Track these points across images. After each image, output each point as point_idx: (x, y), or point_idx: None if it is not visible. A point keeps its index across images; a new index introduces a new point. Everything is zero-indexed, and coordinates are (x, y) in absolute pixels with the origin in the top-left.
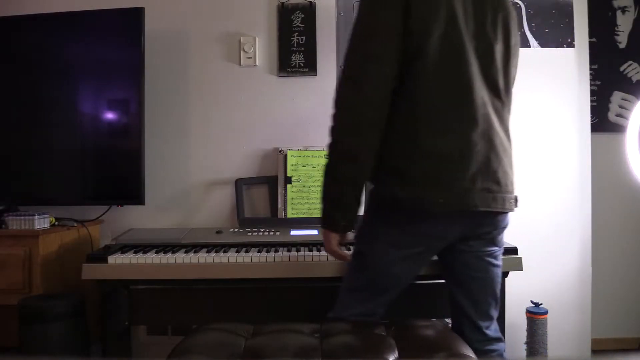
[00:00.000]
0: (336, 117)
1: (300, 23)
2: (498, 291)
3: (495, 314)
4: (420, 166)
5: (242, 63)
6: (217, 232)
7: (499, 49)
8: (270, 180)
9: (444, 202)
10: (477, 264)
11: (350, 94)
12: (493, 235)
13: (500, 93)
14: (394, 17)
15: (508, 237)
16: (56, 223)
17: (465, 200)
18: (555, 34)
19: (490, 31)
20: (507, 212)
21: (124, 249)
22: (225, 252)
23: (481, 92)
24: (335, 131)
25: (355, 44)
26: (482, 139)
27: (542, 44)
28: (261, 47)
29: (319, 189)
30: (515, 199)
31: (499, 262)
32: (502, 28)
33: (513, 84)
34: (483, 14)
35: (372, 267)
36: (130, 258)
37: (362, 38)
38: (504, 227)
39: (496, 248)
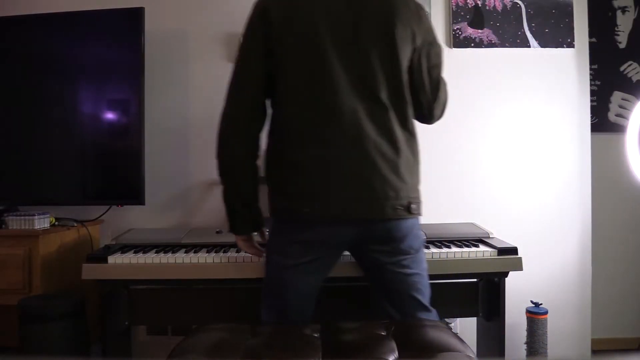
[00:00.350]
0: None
1: None
2: (421, 294)
3: (424, 313)
4: (286, 178)
5: None
6: (217, 232)
7: (378, 54)
8: None
9: (310, 211)
10: (392, 277)
11: (223, 111)
12: (396, 245)
13: (380, 99)
14: (257, 42)
15: (508, 237)
16: (56, 223)
17: (330, 208)
18: (555, 34)
19: (365, 38)
20: (393, 220)
21: (124, 249)
22: (225, 252)
23: (350, 101)
24: (216, 144)
25: (233, 68)
26: (351, 147)
27: (542, 44)
28: None
29: None
30: (407, 206)
31: (414, 270)
32: (384, 33)
33: (407, 87)
34: (356, 21)
35: (269, 275)
36: (130, 258)
37: (235, 63)
38: (405, 236)
39: (404, 257)
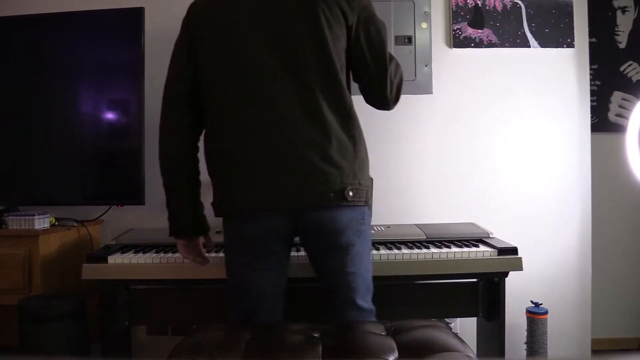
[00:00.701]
0: None
1: None
2: (355, 293)
3: (356, 312)
4: (214, 170)
5: None
6: (217, 232)
7: (303, 36)
8: None
9: (237, 202)
10: (326, 272)
11: (161, 110)
12: (331, 239)
13: (308, 82)
14: (181, 41)
15: (508, 237)
16: (56, 223)
17: (256, 198)
18: (555, 34)
19: (288, 21)
20: (324, 209)
21: (124, 249)
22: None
23: (273, 86)
24: None
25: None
26: (272, 133)
27: (542, 44)
28: None
29: None
30: (340, 192)
31: (350, 269)
32: (307, 14)
33: (342, 69)
34: (277, 5)
35: (228, 275)
36: (130, 258)
37: (169, 65)
38: (342, 230)
39: (340, 253)
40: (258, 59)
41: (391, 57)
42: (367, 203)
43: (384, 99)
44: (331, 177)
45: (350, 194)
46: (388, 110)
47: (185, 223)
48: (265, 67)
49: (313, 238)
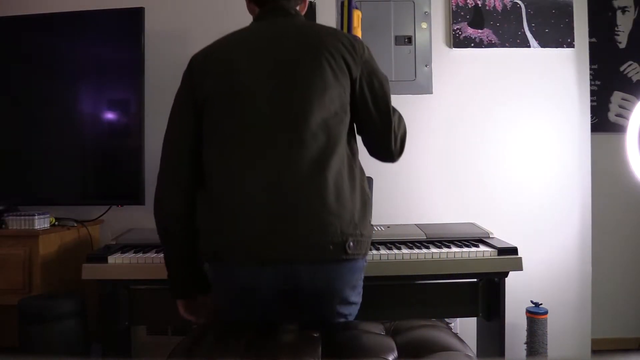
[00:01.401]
0: None
1: None
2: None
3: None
4: (201, 215)
5: None
6: None
7: (304, 87)
8: None
9: (221, 251)
10: (318, 316)
11: (160, 165)
12: (326, 300)
13: (304, 131)
14: (184, 94)
15: (508, 237)
16: (56, 223)
17: (241, 247)
18: (555, 34)
19: (288, 71)
20: (318, 263)
21: (124, 249)
22: None
23: (274, 135)
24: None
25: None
26: (267, 182)
27: (542, 44)
28: None
29: None
30: (341, 244)
31: (343, 311)
32: (309, 65)
33: (346, 119)
34: (277, 56)
35: (219, 314)
36: (130, 258)
37: (169, 117)
38: (339, 290)
39: (333, 307)
40: (260, 107)
41: (394, 110)
42: (366, 254)
43: (388, 152)
44: (330, 227)
45: (351, 245)
46: (392, 162)
47: (186, 286)
48: (268, 114)
49: (304, 297)
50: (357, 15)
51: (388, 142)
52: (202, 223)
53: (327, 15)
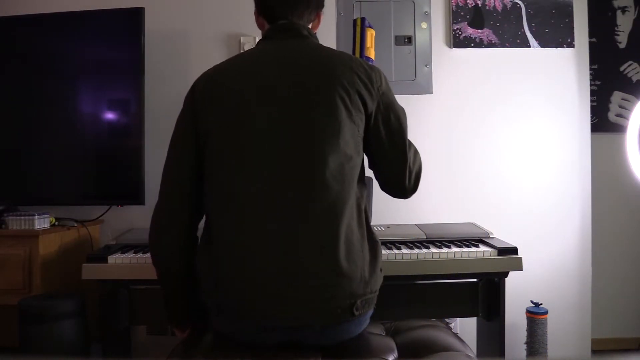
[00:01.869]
0: None
1: None
2: None
3: None
4: (200, 266)
5: None
6: None
7: (315, 125)
8: None
9: (222, 305)
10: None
11: (160, 193)
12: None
13: (316, 183)
14: (185, 124)
15: (508, 237)
16: (56, 223)
17: (241, 310)
18: (555, 34)
19: (304, 116)
20: (326, 326)
21: (124, 249)
22: None
23: (273, 181)
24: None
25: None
26: (275, 239)
27: (542, 44)
28: None
29: None
30: (349, 308)
31: None
32: (321, 101)
33: (358, 161)
34: (292, 95)
35: None
36: (130, 258)
37: (169, 145)
38: (343, 341)
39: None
40: (269, 150)
41: (410, 144)
42: (374, 305)
43: (401, 189)
44: (339, 291)
45: (359, 305)
46: (405, 198)
47: (183, 316)
48: (277, 159)
49: (310, 344)
50: (370, 35)
51: (402, 179)
52: (203, 274)
53: (327, 15)
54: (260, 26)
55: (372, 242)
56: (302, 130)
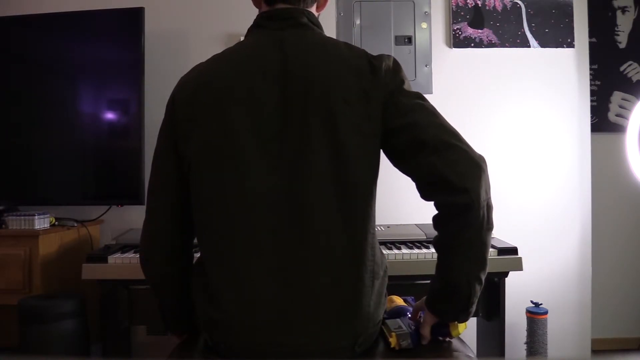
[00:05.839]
0: None
1: None
2: None
3: None
4: (195, 291)
5: None
6: None
7: (319, 158)
8: None
9: (215, 339)
10: None
11: (145, 219)
12: None
13: (313, 213)
14: (165, 140)
15: (508, 237)
16: (56, 223)
17: (244, 340)
18: (555, 34)
19: (303, 141)
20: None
21: (124, 249)
22: None
23: (268, 217)
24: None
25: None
26: (275, 275)
27: (542, 44)
28: None
29: None
30: (350, 346)
31: None
32: (329, 131)
33: (364, 186)
34: (292, 122)
35: None
36: (130, 258)
37: (153, 155)
38: None
39: None
40: (263, 179)
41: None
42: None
43: (445, 184)
44: (340, 330)
45: (361, 342)
46: (471, 209)
47: (181, 326)
48: (262, 176)
49: None
50: None
51: (439, 170)
52: (198, 306)
53: (327, 15)
54: (256, 4)
55: (382, 272)
56: (299, 154)
